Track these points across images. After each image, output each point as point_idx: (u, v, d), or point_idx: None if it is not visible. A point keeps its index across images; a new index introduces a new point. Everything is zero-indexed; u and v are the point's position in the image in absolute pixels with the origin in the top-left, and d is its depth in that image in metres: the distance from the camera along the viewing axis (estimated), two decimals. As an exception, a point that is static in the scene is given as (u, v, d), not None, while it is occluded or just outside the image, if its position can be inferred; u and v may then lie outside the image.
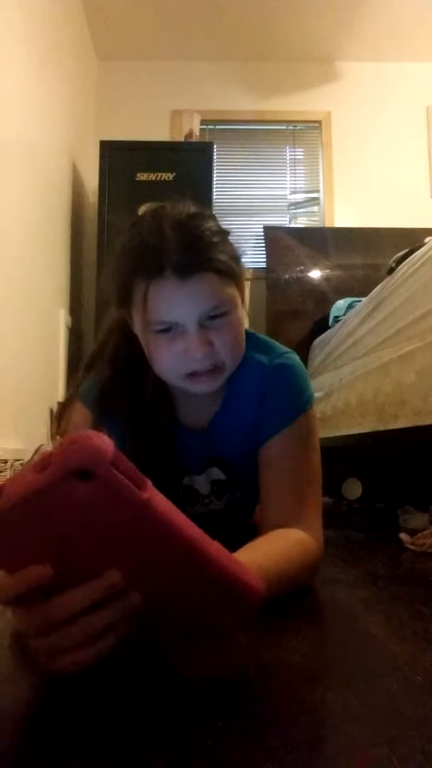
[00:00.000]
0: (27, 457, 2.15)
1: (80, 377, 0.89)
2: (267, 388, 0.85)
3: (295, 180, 3.85)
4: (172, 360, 0.77)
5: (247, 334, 0.86)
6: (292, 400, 0.85)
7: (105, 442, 0.37)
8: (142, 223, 0.78)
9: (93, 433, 0.37)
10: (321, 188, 3.79)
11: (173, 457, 0.88)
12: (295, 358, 0.90)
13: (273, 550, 0.70)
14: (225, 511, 0.97)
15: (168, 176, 3.12)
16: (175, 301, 0.74)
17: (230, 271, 0.77)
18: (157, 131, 3.64)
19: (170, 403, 0.88)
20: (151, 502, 0.38)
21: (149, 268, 0.74)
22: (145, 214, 0.80)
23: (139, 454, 0.80)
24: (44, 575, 0.40)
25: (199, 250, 0.74)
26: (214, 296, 0.75)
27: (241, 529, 1.03)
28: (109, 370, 0.85)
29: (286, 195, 3.84)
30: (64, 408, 0.88)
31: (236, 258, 0.80)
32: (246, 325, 0.83)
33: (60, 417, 0.87)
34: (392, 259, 1.87)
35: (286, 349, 0.91)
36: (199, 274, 0.73)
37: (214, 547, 0.44)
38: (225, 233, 0.79)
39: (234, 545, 0.51)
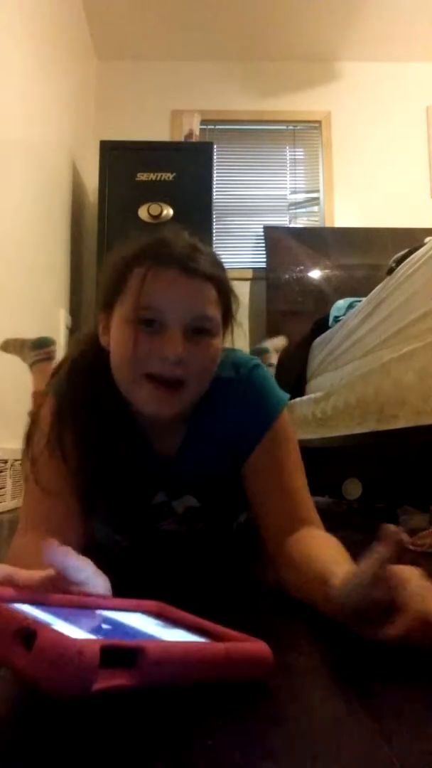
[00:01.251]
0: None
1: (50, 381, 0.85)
2: (243, 401, 0.83)
3: (295, 180, 3.85)
4: (141, 355, 0.72)
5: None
6: (264, 406, 0.83)
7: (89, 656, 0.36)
8: (155, 231, 0.78)
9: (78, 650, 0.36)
10: (321, 188, 3.80)
11: (138, 478, 0.84)
12: (262, 366, 0.88)
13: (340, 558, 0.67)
14: (202, 532, 0.96)
15: (168, 176, 3.12)
16: (170, 293, 0.72)
17: (226, 301, 0.78)
18: (157, 131, 3.64)
19: (134, 427, 0.83)
20: (146, 671, 0.39)
21: (156, 255, 0.73)
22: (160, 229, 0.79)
23: (99, 473, 0.77)
24: None
25: (206, 262, 0.74)
26: (208, 306, 0.74)
27: (221, 540, 1.01)
28: (67, 376, 0.81)
29: (286, 195, 3.84)
30: (37, 410, 0.84)
31: (232, 293, 0.80)
32: (244, 344, 0.82)
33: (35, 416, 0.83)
34: (392, 259, 1.87)
35: (253, 360, 0.89)
36: (202, 279, 0.73)
37: (221, 651, 0.44)
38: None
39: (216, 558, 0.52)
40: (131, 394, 0.76)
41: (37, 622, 0.38)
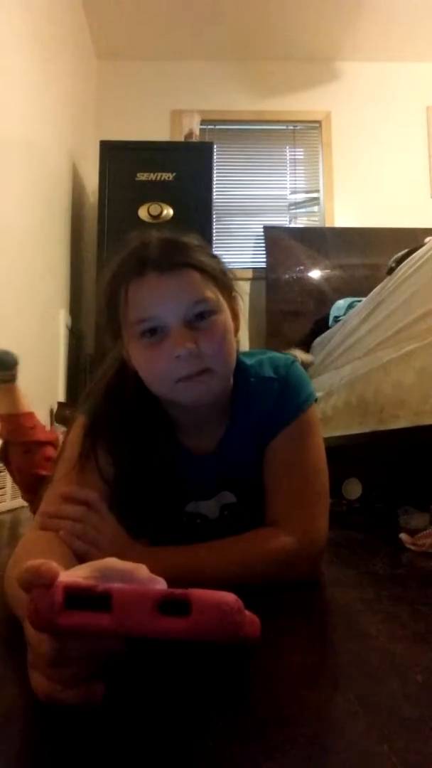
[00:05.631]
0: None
1: (81, 402, 0.87)
2: (277, 396, 0.85)
3: (295, 180, 3.85)
4: (160, 366, 0.75)
5: (250, 352, 0.89)
6: (295, 399, 0.86)
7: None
8: (128, 242, 0.79)
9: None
10: (321, 188, 3.80)
11: (174, 484, 0.86)
12: (297, 363, 0.91)
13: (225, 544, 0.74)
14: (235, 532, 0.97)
15: (168, 176, 3.12)
16: (155, 297, 0.73)
17: (214, 275, 0.78)
18: (157, 131, 3.64)
19: (170, 429, 0.86)
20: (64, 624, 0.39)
21: (131, 270, 0.75)
22: (131, 236, 0.81)
23: (136, 483, 0.79)
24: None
25: (180, 251, 0.75)
26: (196, 291, 0.74)
27: None
28: (102, 398, 0.83)
29: (286, 195, 3.84)
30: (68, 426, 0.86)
31: (223, 270, 0.81)
32: (244, 343, 0.83)
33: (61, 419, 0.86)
34: (392, 259, 1.87)
35: (290, 357, 0.91)
36: (179, 269, 0.74)
37: (182, 594, 0.41)
38: (211, 250, 0.81)
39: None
40: (171, 398, 0.79)
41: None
